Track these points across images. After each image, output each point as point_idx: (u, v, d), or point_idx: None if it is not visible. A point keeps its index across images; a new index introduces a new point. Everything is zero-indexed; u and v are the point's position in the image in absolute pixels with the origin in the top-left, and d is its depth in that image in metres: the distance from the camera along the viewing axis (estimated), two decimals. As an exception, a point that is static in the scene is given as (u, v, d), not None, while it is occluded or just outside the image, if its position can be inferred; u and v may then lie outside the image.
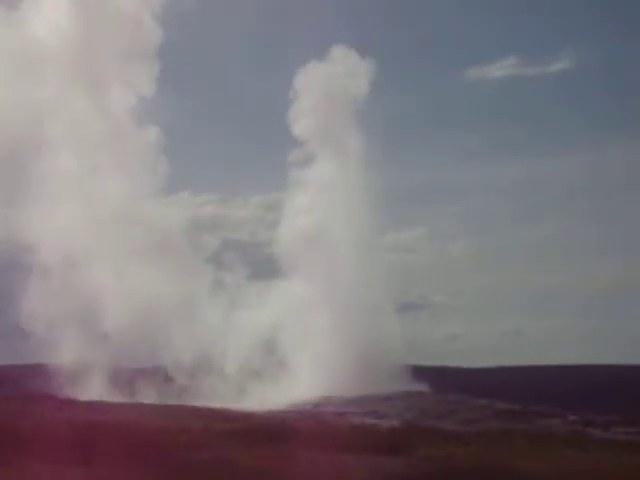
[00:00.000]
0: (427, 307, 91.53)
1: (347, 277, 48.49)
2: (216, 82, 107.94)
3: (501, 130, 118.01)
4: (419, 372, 45.02)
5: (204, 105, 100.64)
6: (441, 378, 44.97)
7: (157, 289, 47.42)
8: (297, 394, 42.47)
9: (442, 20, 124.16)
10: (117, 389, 45.40)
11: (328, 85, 52.10)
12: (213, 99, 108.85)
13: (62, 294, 45.43)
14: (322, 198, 51.36)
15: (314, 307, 48.32)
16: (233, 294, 50.79)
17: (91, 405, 34.12)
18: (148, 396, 44.90)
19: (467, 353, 79.46)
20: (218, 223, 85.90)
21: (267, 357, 49.04)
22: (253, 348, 48.83)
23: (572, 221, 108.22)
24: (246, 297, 50.76)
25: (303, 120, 51.70)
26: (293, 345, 48.28)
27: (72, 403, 34.23)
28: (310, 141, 51.89)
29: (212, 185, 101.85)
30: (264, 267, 53.59)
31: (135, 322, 45.80)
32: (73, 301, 45.79)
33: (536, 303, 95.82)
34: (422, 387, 43.97)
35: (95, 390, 43.88)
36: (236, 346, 48.62)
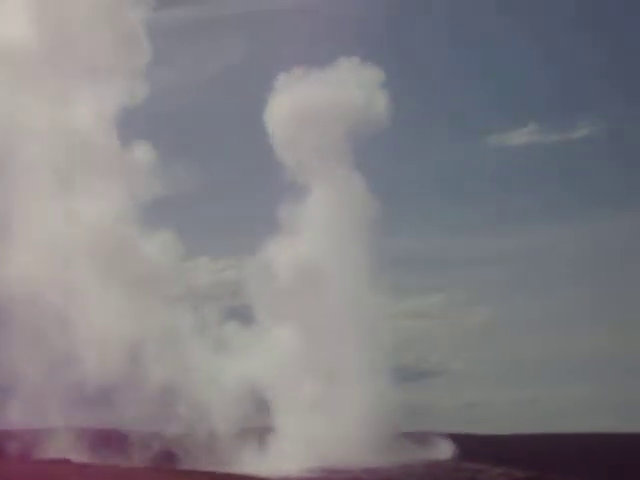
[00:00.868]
0: (445, 374, 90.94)
1: (342, 338, 46.03)
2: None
3: (523, 197, 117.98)
4: (436, 439, 44.67)
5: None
6: (458, 445, 44.63)
7: (137, 336, 43.22)
8: (290, 461, 41.01)
9: (461, 87, 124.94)
10: (95, 452, 41.51)
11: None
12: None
13: (32, 344, 40.92)
14: (317, 254, 47.99)
15: (306, 367, 45.71)
16: (224, 347, 47.17)
17: (106, 470, 33.87)
18: (139, 459, 41.49)
19: (484, 420, 78.64)
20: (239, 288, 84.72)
21: (258, 418, 46.52)
22: (244, 408, 45.41)
23: (595, 288, 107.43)
24: (237, 351, 46.98)
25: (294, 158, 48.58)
26: (286, 409, 45.49)
27: (87, 467, 34.05)
28: (304, 184, 48.95)
29: (229, 249, 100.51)
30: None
31: (113, 376, 41.66)
32: (45, 352, 41.08)
33: (552, 371, 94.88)
34: (439, 454, 43.58)
35: (72, 453, 39.84)
36: (225, 406, 44.84)
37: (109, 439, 44.62)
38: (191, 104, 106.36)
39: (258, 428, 46.31)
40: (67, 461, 35.88)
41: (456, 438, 45.29)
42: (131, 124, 47.09)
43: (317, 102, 48.70)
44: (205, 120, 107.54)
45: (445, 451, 44.53)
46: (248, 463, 41.57)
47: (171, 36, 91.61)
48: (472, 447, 45.64)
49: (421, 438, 44.63)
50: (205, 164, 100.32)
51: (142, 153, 45.41)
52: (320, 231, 48.45)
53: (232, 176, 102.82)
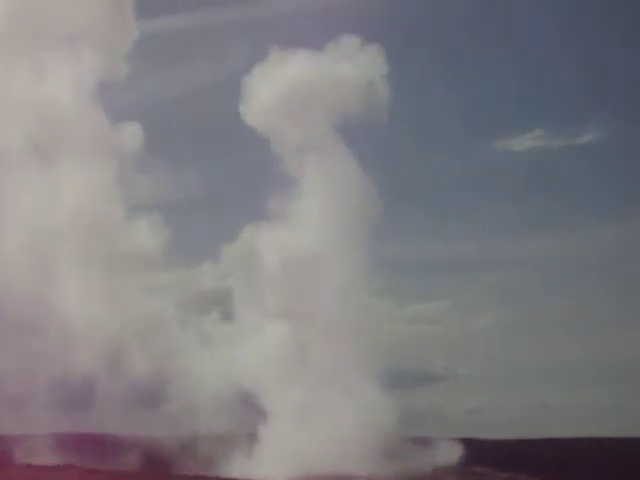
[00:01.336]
0: (451, 379, 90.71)
1: (338, 338, 44.08)
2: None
3: (528, 203, 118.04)
4: (442, 444, 44.39)
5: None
6: (465, 450, 44.39)
7: (123, 333, 40.98)
8: (282, 467, 39.55)
9: (465, 92, 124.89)
10: (79, 457, 39.41)
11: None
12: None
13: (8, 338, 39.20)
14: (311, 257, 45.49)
15: (301, 368, 43.82)
16: (213, 345, 45.46)
17: (111, 475, 33.71)
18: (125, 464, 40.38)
19: (491, 425, 78.47)
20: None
21: (248, 421, 44.21)
22: (232, 410, 43.22)
23: (600, 294, 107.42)
24: (226, 349, 45.22)
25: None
26: (280, 412, 43.42)
27: (93, 472, 33.93)
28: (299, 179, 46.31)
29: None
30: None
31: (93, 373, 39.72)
32: (22, 348, 39.50)
33: (562, 376, 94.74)
34: (446, 459, 43.26)
35: (56, 458, 38.65)
36: (213, 408, 42.68)
37: (91, 443, 43.56)
38: (192, 110, 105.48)
39: (248, 432, 44.78)
40: (72, 467, 35.74)
41: (462, 443, 45.06)
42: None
43: (308, 82, 46.01)
44: (205, 126, 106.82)
45: (451, 456, 44.20)
46: (239, 468, 40.37)
47: (172, 43, 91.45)
48: (478, 452, 45.41)
49: (427, 443, 44.34)
50: (203, 169, 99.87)
51: (131, 136, 43.09)
52: (314, 225, 46.33)
53: (229, 178, 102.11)
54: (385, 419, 42.59)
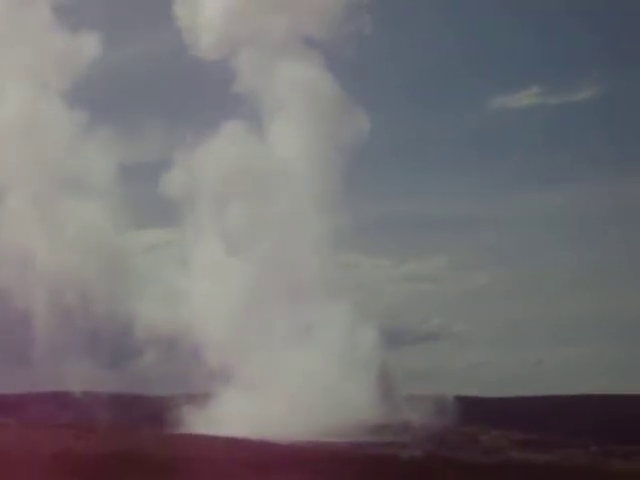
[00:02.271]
0: (447, 337, 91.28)
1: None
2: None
3: (525, 159, 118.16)
4: (438, 402, 44.50)
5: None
6: (460, 408, 44.61)
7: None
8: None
9: (463, 51, 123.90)
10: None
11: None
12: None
13: None
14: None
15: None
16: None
17: (107, 434, 33.52)
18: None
19: (487, 383, 79.04)
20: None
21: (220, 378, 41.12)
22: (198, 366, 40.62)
23: (596, 251, 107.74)
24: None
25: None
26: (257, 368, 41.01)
27: (90, 431, 33.77)
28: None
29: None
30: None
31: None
32: None
33: (557, 333, 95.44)
34: (441, 417, 43.24)
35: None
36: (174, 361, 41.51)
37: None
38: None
39: (209, 391, 42.58)
40: (66, 425, 35.58)
41: (458, 400, 45.25)
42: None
43: None
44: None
45: (447, 413, 44.28)
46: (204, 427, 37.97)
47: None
48: (474, 409, 45.75)
49: (423, 401, 44.38)
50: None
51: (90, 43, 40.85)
52: (282, 145, 43.15)
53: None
54: (371, 377, 41.74)
